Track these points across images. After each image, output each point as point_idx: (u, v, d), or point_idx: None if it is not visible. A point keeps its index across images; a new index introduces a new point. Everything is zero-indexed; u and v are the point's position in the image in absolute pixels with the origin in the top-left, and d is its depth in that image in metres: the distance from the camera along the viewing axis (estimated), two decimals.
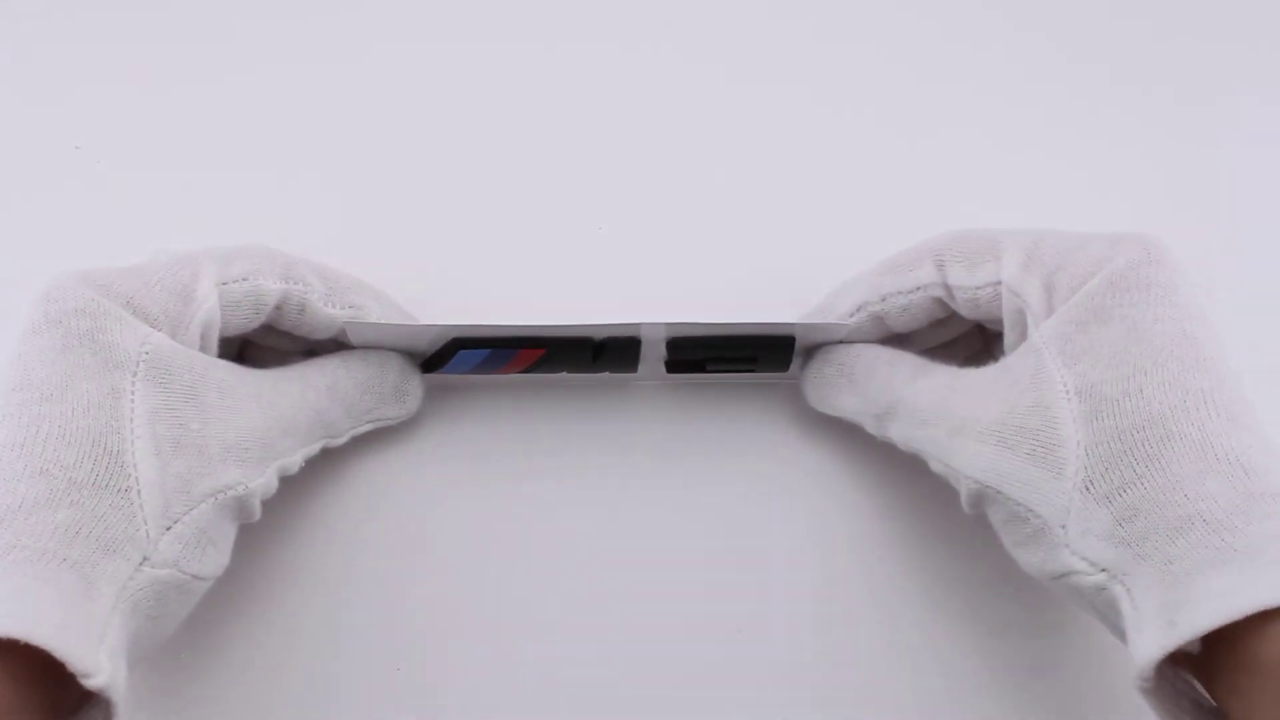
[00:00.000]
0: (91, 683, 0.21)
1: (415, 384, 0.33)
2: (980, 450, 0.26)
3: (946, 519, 0.33)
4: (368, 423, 0.32)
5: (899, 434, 0.30)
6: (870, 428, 0.31)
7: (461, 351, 0.32)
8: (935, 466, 0.29)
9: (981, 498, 0.27)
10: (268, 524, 0.33)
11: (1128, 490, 0.23)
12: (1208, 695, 0.22)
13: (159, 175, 0.38)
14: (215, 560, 0.27)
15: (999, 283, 0.28)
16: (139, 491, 0.24)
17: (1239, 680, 0.21)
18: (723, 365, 0.32)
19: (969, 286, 0.28)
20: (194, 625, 0.32)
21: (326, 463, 0.34)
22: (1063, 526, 0.24)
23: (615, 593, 0.33)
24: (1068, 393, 0.24)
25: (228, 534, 0.28)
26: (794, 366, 0.33)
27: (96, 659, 0.22)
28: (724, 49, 0.41)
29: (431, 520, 0.34)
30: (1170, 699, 0.22)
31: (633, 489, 0.34)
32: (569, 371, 0.33)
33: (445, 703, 0.32)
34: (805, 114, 0.39)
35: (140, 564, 0.24)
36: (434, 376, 0.33)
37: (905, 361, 0.30)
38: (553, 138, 0.39)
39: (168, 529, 0.25)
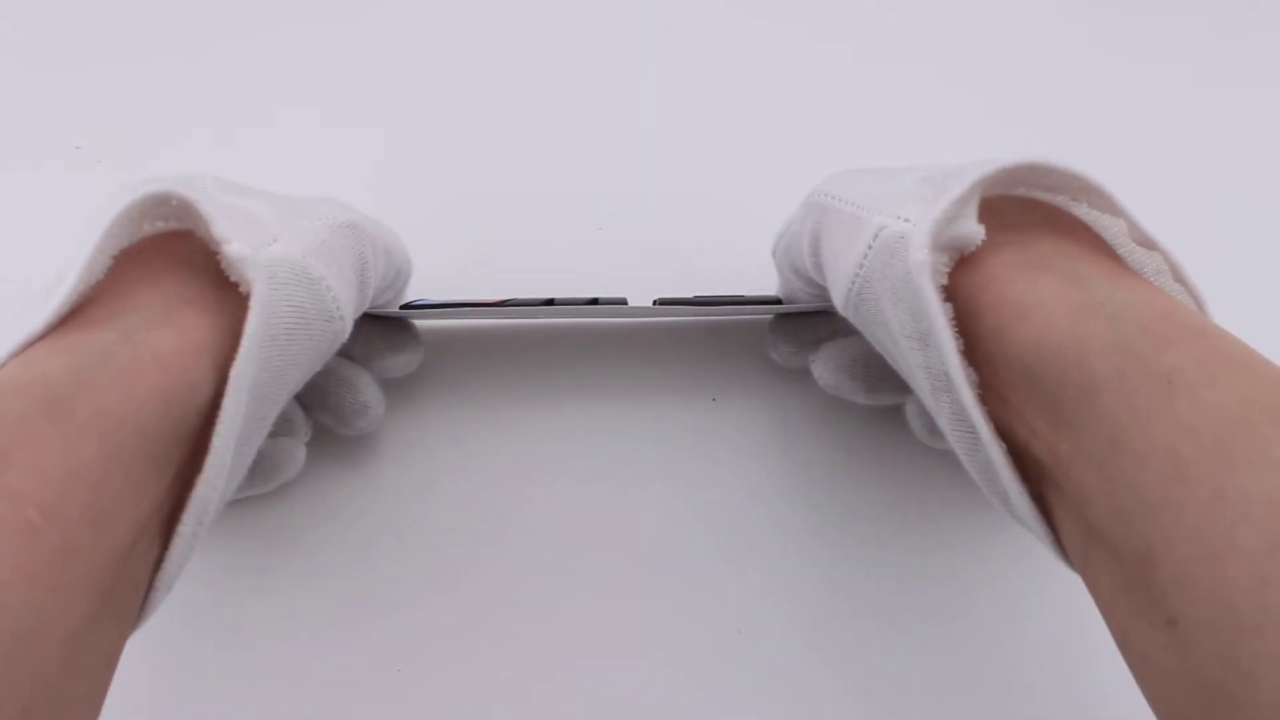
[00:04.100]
0: (230, 249, 0.22)
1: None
2: (846, 175, 0.28)
3: (949, 519, 0.33)
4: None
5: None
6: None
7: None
8: (805, 216, 0.29)
9: (825, 211, 0.27)
10: (268, 525, 0.33)
11: (949, 186, 0.24)
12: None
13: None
14: (340, 284, 0.26)
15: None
16: (250, 208, 0.25)
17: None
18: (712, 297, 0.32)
19: None
20: (195, 626, 0.32)
21: (325, 464, 0.34)
22: (880, 213, 0.24)
23: (616, 594, 0.33)
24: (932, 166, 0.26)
25: (349, 276, 0.27)
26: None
27: (236, 233, 0.22)
28: (719, 58, 0.41)
29: (431, 522, 0.34)
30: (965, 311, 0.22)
31: (632, 491, 0.34)
32: (560, 303, 0.32)
33: (445, 703, 0.32)
34: (800, 120, 0.40)
35: (271, 241, 0.24)
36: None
37: None
38: (557, 144, 0.39)
39: (289, 229, 0.25)
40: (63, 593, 0.18)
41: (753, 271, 0.35)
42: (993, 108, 0.40)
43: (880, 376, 0.31)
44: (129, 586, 0.21)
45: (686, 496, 0.34)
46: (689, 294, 0.33)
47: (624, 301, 0.33)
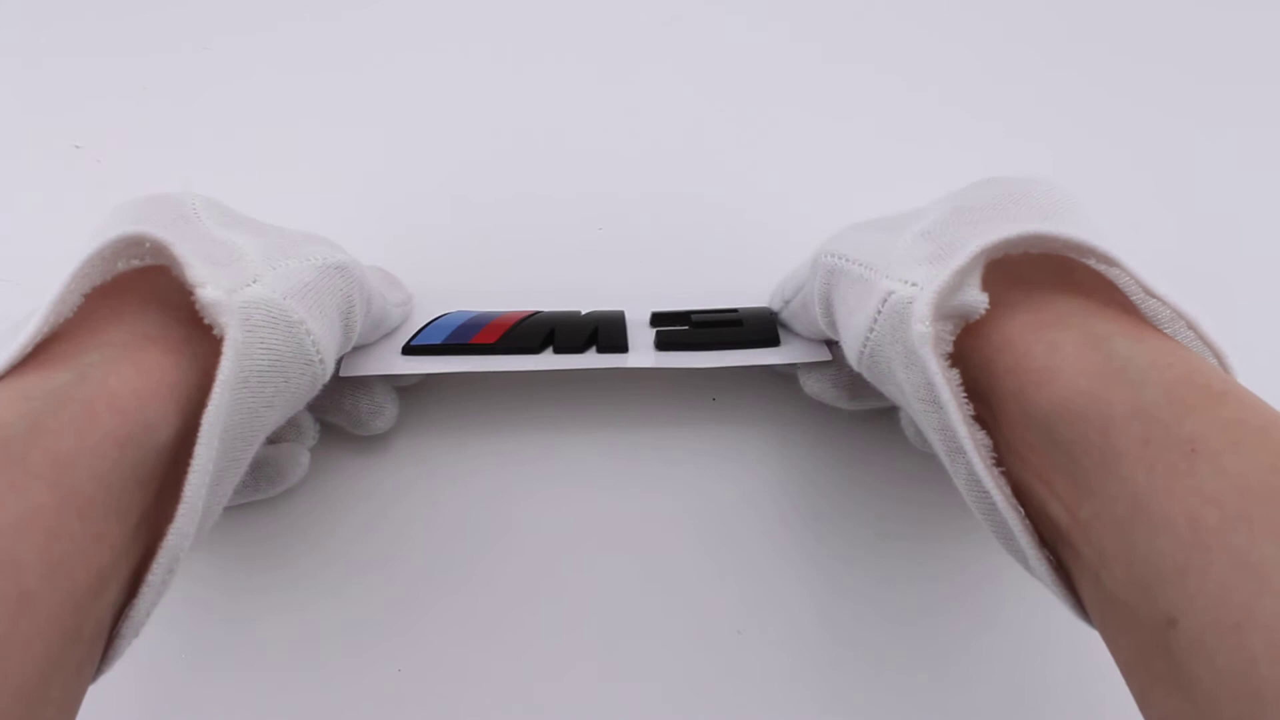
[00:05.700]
0: (204, 293, 0.22)
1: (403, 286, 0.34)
2: (851, 233, 0.28)
3: (948, 521, 0.33)
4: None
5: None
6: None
7: (449, 315, 0.32)
8: (818, 276, 0.29)
9: (833, 273, 0.27)
10: (268, 526, 0.33)
11: (954, 243, 0.24)
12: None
13: (159, 175, 0.38)
14: (322, 327, 0.26)
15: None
16: (236, 243, 0.25)
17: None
18: (708, 325, 0.32)
19: None
20: (195, 627, 0.32)
21: (325, 465, 0.34)
22: (887, 276, 0.24)
23: (615, 592, 0.33)
24: (932, 213, 0.26)
25: (333, 319, 0.27)
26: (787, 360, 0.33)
27: (212, 275, 0.22)
28: (720, 60, 0.41)
29: (431, 522, 0.34)
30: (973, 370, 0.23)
31: (633, 491, 0.34)
32: (561, 350, 0.32)
33: (445, 703, 0.32)
34: (800, 123, 0.40)
35: (252, 282, 0.24)
36: (431, 369, 0.33)
37: None
38: (557, 145, 0.39)
39: (273, 268, 0.25)
40: (16, 643, 0.18)
41: (750, 271, 0.35)
42: (993, 112, 0.40)
43: (864, 384, 0.31)
44: (91, 634, 0.20)
45: (687, 495, 0.34)
46: (687, 299, 0.34)
47: (621, 314, 0.33)
